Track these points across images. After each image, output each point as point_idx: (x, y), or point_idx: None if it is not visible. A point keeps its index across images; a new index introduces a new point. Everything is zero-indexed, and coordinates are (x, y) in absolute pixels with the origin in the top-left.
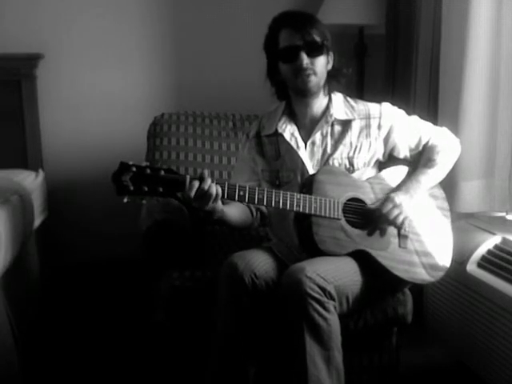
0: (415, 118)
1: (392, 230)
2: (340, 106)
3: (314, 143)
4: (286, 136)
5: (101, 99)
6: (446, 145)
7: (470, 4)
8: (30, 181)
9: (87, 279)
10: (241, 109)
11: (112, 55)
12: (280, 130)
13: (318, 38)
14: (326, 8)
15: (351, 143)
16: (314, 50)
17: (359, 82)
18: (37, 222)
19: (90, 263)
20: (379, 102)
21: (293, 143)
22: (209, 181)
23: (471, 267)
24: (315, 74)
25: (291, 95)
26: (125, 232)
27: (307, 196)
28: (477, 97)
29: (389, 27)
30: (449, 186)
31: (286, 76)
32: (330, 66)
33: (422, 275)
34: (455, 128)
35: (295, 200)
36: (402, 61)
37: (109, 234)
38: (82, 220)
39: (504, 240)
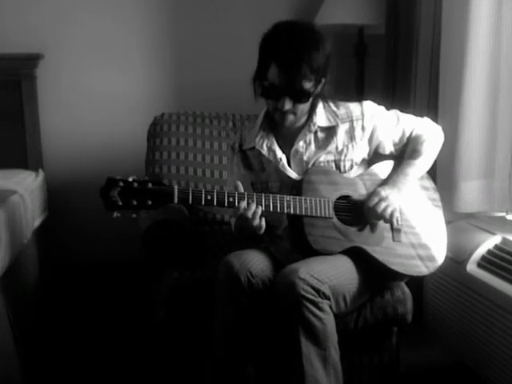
0: (395, 112)
1: (385, 225)
2: (322, 113)
3: (297, 152)
4: (264, 152)
5: (101, 99)
6: (430, 134)
7: (470, 4)
8: (30, 181)
9: (87, 280)
10: (241, 109)
11: (112, 55)
12: (257, 147)
13: (308, 85)
14: (326, 8)
15: (337, 148)
16: (300, 98)
17: (359, 82)
18: (37, 222)
19: (89, 264)
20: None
21: (271, 158)
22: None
23: (471, 267)
24: (295, 114)
25: None
26: (124, 233)
27: (297, 197)
28: (477, 97)
29: (389, 27)
30: (449, 186)
31: (266, 104)
32: (317, 91)
33: (418, 267)
34: (455, 128)
35: (285, 202)
36: (402, 61)
37: (108, 235)
38: (82, 220)
39: (504, 240)
